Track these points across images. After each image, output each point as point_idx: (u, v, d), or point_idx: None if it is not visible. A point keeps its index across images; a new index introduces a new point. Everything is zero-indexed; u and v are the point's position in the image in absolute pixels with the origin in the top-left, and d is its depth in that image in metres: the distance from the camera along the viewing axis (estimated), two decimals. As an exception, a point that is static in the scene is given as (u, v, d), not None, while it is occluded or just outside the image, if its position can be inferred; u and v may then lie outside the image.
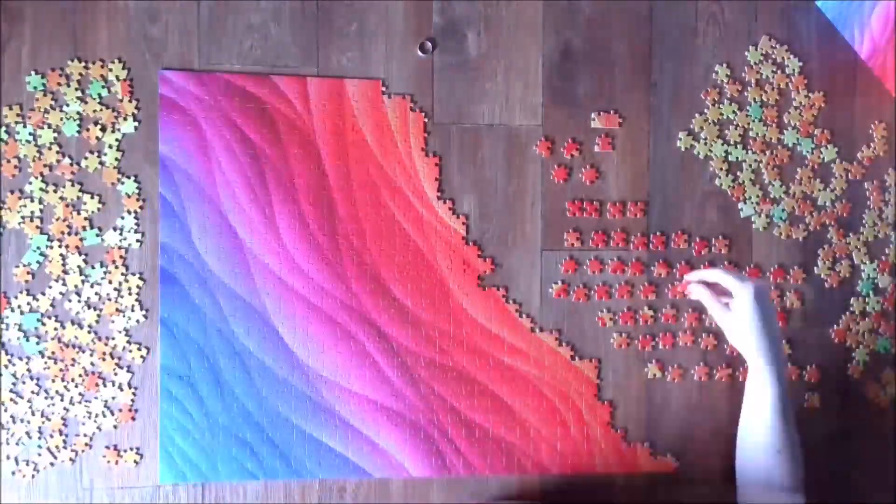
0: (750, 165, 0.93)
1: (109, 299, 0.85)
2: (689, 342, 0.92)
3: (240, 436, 0.86)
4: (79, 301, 0.84)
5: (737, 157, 0.93)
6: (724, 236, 0.92)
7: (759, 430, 0.80)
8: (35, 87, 0.84)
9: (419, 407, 0.88)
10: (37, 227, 0.84)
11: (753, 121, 0.93)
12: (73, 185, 0.84)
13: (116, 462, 0.85)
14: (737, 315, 0.81)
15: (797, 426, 0.81)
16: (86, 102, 0.85)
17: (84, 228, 0.84)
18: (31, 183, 0.84)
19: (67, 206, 0.84)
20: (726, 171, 0.92)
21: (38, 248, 0.84)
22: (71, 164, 0.84)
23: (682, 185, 0.92)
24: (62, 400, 0.84)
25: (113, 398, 0.85)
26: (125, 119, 0.85)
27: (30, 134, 0.84)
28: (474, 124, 0.90)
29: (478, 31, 0.90)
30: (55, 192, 0.84)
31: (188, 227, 0.86)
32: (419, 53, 0.89)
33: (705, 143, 0.92)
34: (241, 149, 0.87)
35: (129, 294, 0.85)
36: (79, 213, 0.84)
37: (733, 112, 0.93)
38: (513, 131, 0.90)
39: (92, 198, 0.84)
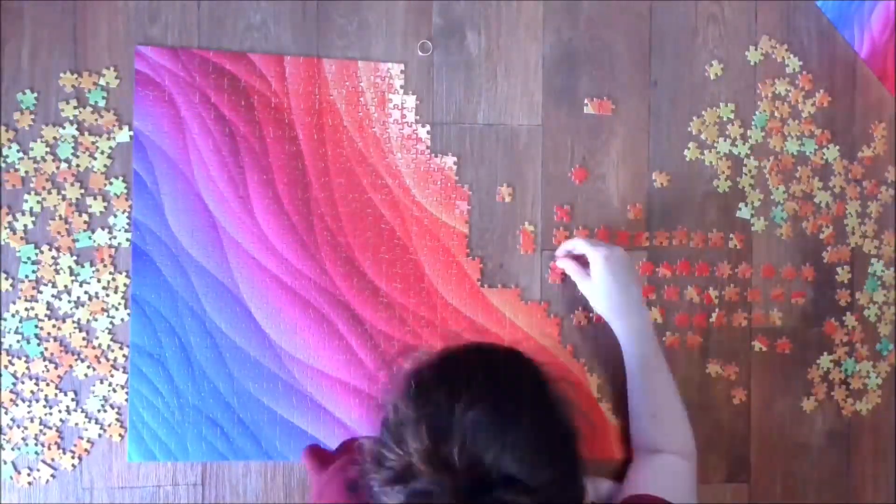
0: (751, 162, 0.93)
1: (97, 297, 0.84)
2: (687, 342, 0.92)
3: (210, 416, 0.85)
4: (69, 301, 0.84)
5: (737, 156, 0.93)
6: (724, 236, 0.92)
7: (633, 395, 0.84)
8: (27, 107, 0.83)
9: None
10: (21, 237, 0.83)
11: (754, 121, 0.93)
12: (72, 186, 0.84)
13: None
14: (594, 281, 0.83)
15: (678, 391, 0.83)
16: (81, 122, 0.84)
17: (79, 230, 0.84)
18: (26, 200, 0.83)
19: (70, 205, 0.84)
20: (726, 171, 0.92)
21: (29, 258, 0.83)
22: (69, 168, 0.84)
23: (683, 186, 0.92)
24: (61, 401, 0.84)
25: (112, 395, 0.85)
26: (120, 129, 0.85)
27: (23, 153, 0.83)
28: (474, 124, 0.90)
29: (478, 30, 0.90)
30: (50, 195, 0.83)
31: (161, 204, 0.85)
32: (419, 53, 0.89)
33: (705, 144, 0.92)
34: (216, 127, 0.86)
35: (116, 293, 0.85)
36: (80, 216, 0.84)
37: (733, 112, 0.93)
38: (513, 131, 0.90)
39: (94, 198, 0.84)
